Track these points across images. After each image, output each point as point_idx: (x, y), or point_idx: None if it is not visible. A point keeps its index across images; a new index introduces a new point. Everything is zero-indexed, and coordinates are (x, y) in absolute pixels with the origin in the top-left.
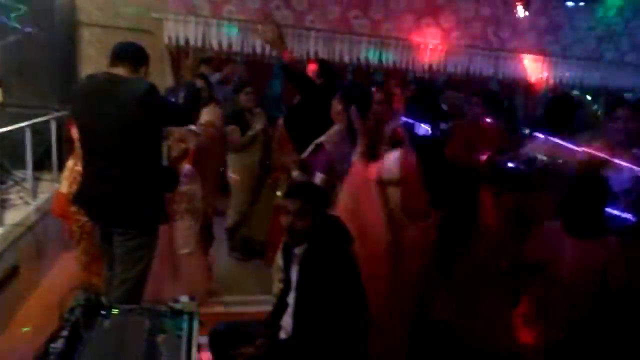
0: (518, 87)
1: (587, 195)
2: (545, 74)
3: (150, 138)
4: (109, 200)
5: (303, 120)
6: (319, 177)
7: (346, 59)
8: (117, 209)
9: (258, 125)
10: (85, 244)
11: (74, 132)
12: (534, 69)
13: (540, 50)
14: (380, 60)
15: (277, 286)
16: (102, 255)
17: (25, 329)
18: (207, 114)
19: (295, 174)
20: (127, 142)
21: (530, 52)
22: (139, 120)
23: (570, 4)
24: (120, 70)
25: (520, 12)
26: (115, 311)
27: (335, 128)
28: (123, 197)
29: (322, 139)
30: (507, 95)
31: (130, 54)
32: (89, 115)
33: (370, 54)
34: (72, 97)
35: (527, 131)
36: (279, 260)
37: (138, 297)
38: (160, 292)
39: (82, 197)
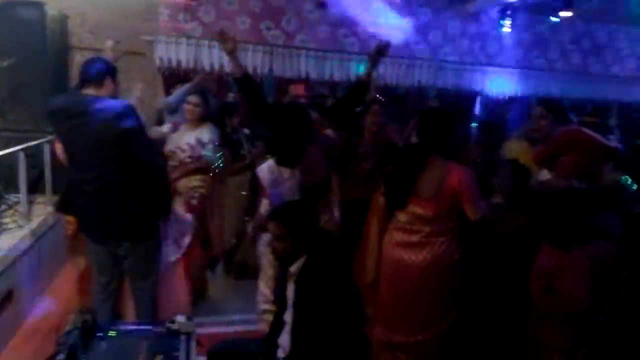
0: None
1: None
2: None
3: (126, 153)
4: (101, 215)
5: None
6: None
7: (336, 77)
8: (109, 223)
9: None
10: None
11: (58, 148)
12: None
13: None
14: None
15: (261, 307)
16: (94, 266)
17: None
18: (208, 132)
19: None
20: (103, 159)
21: None
22: (110, 138)
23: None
24: (89, 91)
25: None
26: (112, 333)
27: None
28: (110, 211)
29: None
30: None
31: (91, 75)
32: (68, 133)
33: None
34: (51, 118)
35: None
36: (262, 283)
37: (156, 308)
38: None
39: (68, 206)
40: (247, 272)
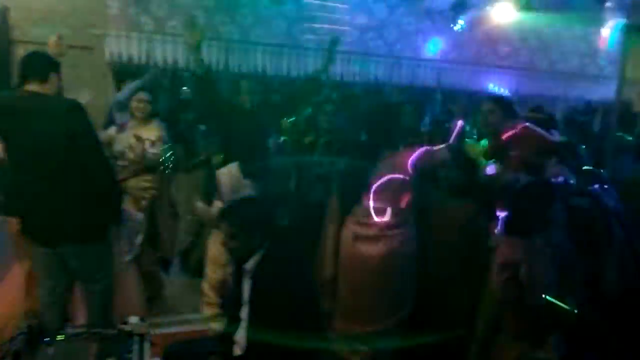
0: None
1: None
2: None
3: (73, 153)
4: (45, 217)
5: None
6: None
7: (293, 73)
8: (54, 225)
9: (204, 156)
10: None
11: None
12: None
13: None
14: None
15: (206, 309)
16: (39, 269)
17: None
18: (156, 129)
19: None
20: (48, 160)
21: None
22: (57, 137)
23: None
24: (33, 87)
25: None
26: (59, 337)
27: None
28: (56, 212)
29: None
30: None
31: (33, 71)
32: (11, 132)
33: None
34: None
35: None
36: (205, 285)
37: (109, 315)
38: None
39: (11, 208)
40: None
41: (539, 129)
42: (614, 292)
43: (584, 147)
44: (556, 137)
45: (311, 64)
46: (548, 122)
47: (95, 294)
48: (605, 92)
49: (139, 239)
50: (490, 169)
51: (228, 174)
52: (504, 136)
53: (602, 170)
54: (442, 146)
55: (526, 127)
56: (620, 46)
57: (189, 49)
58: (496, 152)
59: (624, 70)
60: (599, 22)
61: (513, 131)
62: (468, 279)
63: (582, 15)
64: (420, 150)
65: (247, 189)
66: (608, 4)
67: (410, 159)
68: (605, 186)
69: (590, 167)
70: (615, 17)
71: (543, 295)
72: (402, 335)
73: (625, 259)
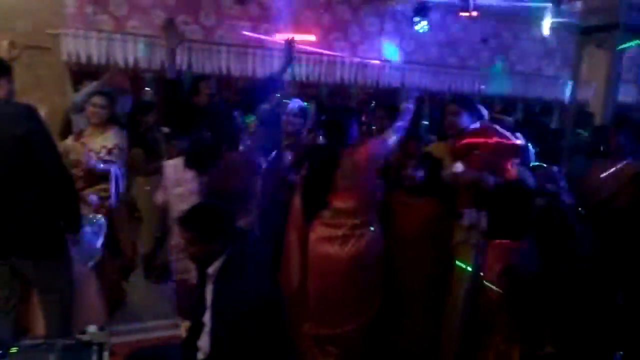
0: None
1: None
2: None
3: (27, 160)
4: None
5: None
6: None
7: (259, 73)
8: (6, 239)
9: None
10: None
11: None
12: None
13: None
14: None
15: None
16: None
17: None
18: (114, 137)
19: None
20: (3, 164)
21: None
22: (9, 143)
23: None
24: None
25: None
26: (13, 349)
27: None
28: (8, 225)
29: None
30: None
31: None
32: None
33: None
34: None
35: None
36: None
37: (68, 326)
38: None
39: None
40: (168, 275)
41: (503, 131)
42: (573, 286)
43: (536, 146)
44: (521, 139)
45: (276, 65)
46: (513, 124)
47: (53, 303)
48: (561, 92)
49: (100, 241)
50: (456, 167)
51: (172, 165)
52: (469, 137)
53: (554, 167)
54: (389, 129)
55: (490, 128)
56: (575, 48)
57: (166, 52)
58: (461, 152)
59: (579, 71)
60: (555, 25)
61: (477, 132)
62: (433, 276)
63: (539, 17)
64: (372, 142)
65: (190, 183)
66: (563, 7)
67: (367, 152)
68: (560, 184)
69: (541, 164)
70: (570, 19)
71: (536, 293)
72: (371, 336)
73: (584, 254)
